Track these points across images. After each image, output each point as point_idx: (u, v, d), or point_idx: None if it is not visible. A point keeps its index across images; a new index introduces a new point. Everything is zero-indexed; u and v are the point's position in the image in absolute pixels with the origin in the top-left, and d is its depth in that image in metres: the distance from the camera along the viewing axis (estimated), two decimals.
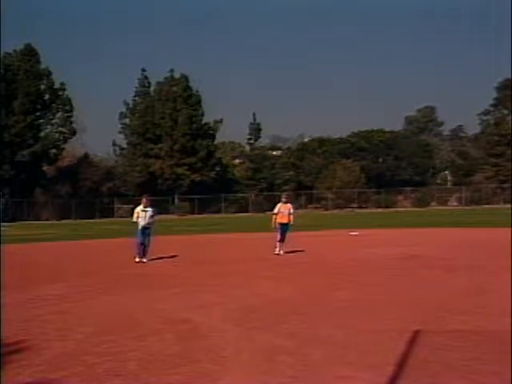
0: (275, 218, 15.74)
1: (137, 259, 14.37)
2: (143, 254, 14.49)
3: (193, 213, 58.87)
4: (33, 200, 55.78)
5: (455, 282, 10.22)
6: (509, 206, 47.49)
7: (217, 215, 57.54)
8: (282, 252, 15.47)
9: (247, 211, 61.39)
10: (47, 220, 52.78)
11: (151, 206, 15.00)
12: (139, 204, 14.93)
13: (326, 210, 62.26)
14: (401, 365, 5.07)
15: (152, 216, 14.77)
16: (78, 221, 50.46)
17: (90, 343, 6.23)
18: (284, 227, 15.68)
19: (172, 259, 15.10)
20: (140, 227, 14.56)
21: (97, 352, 5.82)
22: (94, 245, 22.32)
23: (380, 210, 59.22)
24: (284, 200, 16.03)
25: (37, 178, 56.78)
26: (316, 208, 64.55)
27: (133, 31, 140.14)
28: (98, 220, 52.56)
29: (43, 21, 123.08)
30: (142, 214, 14.64)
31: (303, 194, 64.81)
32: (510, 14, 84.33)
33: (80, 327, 7.07)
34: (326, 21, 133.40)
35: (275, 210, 15.93)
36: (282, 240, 15.63)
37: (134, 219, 14.76)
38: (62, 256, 17.99)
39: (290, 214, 15.77)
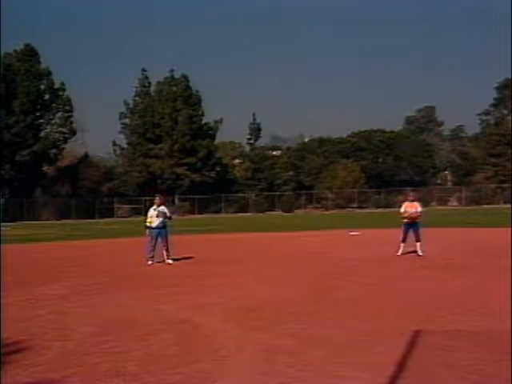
0: (403, 218, 14.91)
1: (149, 262, 13.75)
2: (166, 255, 14.00)
3: (193, 213, 58.86)
4: (33, 200, 55.76)
5: (455, 281, 10.22)
6: (509, 205, 47.48)
7: (217, 215, 57.55)
8: (419, 252, 14.48)
9: (247, 211, 61.41)
10: (47, 220, 52.77)
11: (164, 206, 14.42)
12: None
13: (326, 209, 62.26)
14: (401, 365, 5.06)
15: (165, 215, 14.13)
16: (78, 221, 50.45)
17: (90, 343, 6.23)
18: (413, 226, 14.75)
19: (172, 259, 15.08)
20: (154, 227, 13.95)
21: (97, 352, 5.82)
22: (94, 245, 22.31)
23: (380, 209, 59.21)
24: (411, 199, 15.22)
25: (37, 178, 56.76)
26: (316, 208, 64.57)
27: (133, 31, 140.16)
28: (98, 220, 52.54)
29: (43, 21, 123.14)
30: (154, 214, 14.05)
31: (303, 193, 64.87)
32: (510, 14, 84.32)
33: (80, 327, 7.07)
34: (325, 21, 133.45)
35: (401, 210, 15.11)
36: (404, 240, 14.75)
37: (148, 222, 14.10)
38: (62, 256, 17.99)
39: (416, 213, 14.87)
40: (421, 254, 14.45)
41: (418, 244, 14.66)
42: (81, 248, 21.02)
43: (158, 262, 13.91)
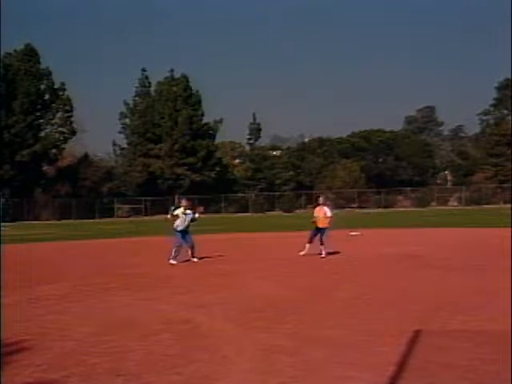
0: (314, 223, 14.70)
1: (172, 261, 13.97)
2: (191, 254, 14.47)
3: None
4: (33, 200, 55.75)
5: (455, 282, 10.22)
6: (509, 205, 47.46)
7: (217, 215, 57.54)
8: (303, 253, 14.60)
9: (247, 211, 61.40)
10: (47, 220, 52.76)
11: (191, 209, 14.78)
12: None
13: None
14: (401, 365, 5.06)
15: (190, 220, 14.48)
16: (78, 221, 50.42)
17: (89, 343, 6.23)
18: (321, 230, 14.50)
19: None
20: (179, 231, 14.33)
21: (97, 352, 5.82)
22: (95, 245, 22.31)
23: (380, 210, 59.19)
24: (321, 202, 14.82)
25: (37, 178, 56.77)
26: None
27: (133, 31, 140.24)
28: (98, 220, 52.53)
29: (43, 21, 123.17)
30: (182, 217, 14.34)
31: (303, 193, 64.86)
32: (510, 13, 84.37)
33: (80, 327, 7.07)
34: (325, 21, 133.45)
35: (314, 214, 14.81)
36: (310, 242, 14.69)
37: (175, 224, 14.37)
38: (63, 256, 17.99)
39: (325, 217, 14.48)
40: (324, 256, 14.23)
41: (323, 247, 14.39)
42: (81, 248, 21.01)
43: (185, 261, 14.12)
